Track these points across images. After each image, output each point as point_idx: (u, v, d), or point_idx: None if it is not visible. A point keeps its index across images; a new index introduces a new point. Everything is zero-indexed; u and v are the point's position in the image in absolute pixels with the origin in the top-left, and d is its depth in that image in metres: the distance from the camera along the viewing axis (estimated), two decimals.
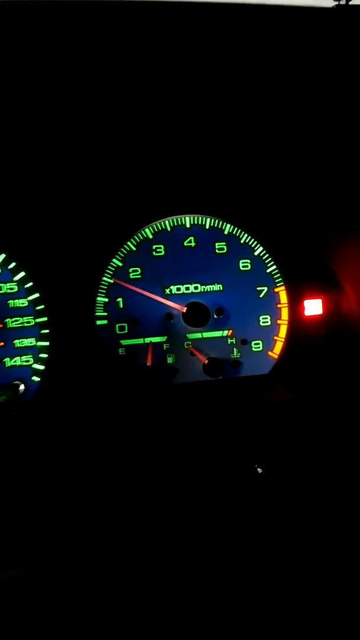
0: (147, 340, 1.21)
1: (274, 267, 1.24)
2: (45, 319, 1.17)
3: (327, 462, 0.89)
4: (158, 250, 1.21)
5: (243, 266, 1.23)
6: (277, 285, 1.25)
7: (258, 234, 1.23)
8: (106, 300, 1.20)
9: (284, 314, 1.25)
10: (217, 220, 1.22)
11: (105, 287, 1.20)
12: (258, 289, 1.24)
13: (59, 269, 1.16)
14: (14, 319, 1.17)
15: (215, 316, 1.22)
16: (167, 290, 1.21)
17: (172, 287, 1.21)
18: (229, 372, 1.25)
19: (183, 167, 1.13)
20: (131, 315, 1.21)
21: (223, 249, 1.22)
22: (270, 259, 1.24)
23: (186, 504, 0.80)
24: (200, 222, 1.22)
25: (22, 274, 1.16)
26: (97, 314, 1.20)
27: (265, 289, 1.24)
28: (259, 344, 1.25)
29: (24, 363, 1.19)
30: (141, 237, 1.20)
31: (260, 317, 1.25)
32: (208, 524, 0.76)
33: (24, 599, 0.65)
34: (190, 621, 0.67)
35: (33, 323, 1.18)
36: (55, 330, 1.18)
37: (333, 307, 1.25)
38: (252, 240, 1.23)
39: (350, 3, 0.90)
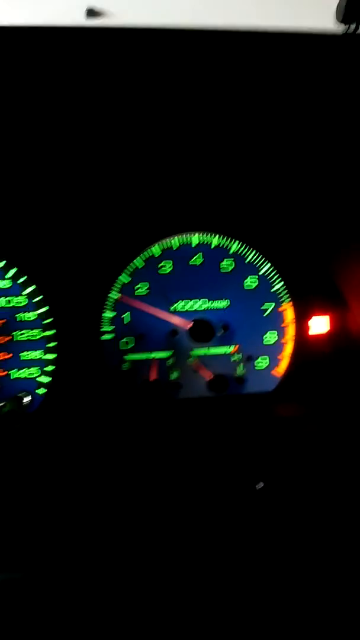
0: (152, 355, 1.22)
1: (280, 285, 1.25)
2: (52, 332, 1.20)
3: (332, 480, 0.88)
4: (165, 267, 1.22)
5: (249, 284, 1.24)
6: (283, 303, 1.25)
7: (264, 253, 1.24)
8: (112, 315, 1.21)
9: (290, 331, 1.25)
10: (223, 239, 1.23)
11: (112, 303, 1.21)
12: (264, 306, 1.25)
13: (67, 283, 1.19)
14: (21, 332, 1.20)
15: (220, 333, 1.23)
16: (173, 307, 1.23)
17: (178, 303, 1.23)
18: (234, 388, 1.25)
19: (190, 186, 1.15)
20: (137, 330, 1.22)
21: (229, 266, 1.24)
22: (276, 277, 1.25)
23: (190, 519, 0.80)
24: (206, 240, 1.23)
25: (31, 287, 1.19)
26: (104, 328, 1.21)
27: (271, 306, 1.25)
28: (264, 361, 1.25)
29: (30, 375, 1.20)
30: (148, 255, 1.22)
31: (266, 335, 1.25)
32: (211, 538, 0.76)
33: (26, 600, 0.66)
34: (190, 624, 0.67)
35: (40, 336, 1.20)
36: (61, 344, 1.19)
37: (339, 325, 1.25)
38: (258, 258, 1.24)
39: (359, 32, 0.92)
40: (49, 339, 1.20)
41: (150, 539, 0.76)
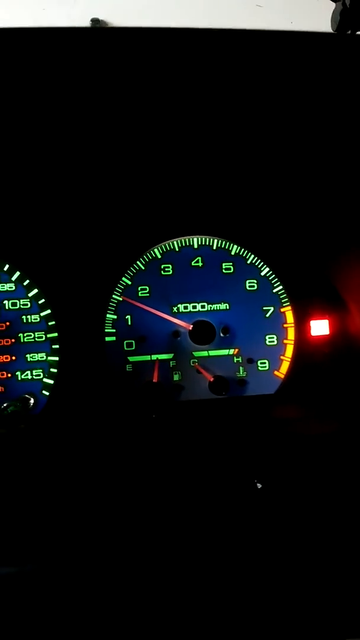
0: (154, 357, 1.24)
1: (280, 287, 1.26)
2: (56, 334, 1.22)
3: (334, 482, 0.88)
4: (166, 269, 1.24)
5: (250, 286, 1.26)
6: (284, 305, 1.26)
7: (264, 255, 1.25)
8: (115, 317, 1.23)
9: (290, 333, 1.26)
10: (224, 241, 1.25)
11: (115, 305, 1.23)
12: (264, 308, 1.26)
13: (70, 286, 1.21)
14: (27, 334, 1.22)
15: (221, 335, 1.24)
16: (175, 309, 1.24)
17: (179, 305, 1.24)
18: (235, 390, 1.25)
19: (191, 189, 1.18)
20: (139, 332, 1.24)
21: (230, 269, 1.25)
22: (276, 279, 1.26)
23: (191, 520, 0.80)
24: (207, 243, 1.25)
25: (35, 290, 1.21)
26: (106, 330, 1.23)
27: (272, 308, 1.26)
28: (265, 363, 1.26)
29: (35, 377, 1.22)
30: (150, 257, 1.24)
31: (267, 337, 1.26)
32: (213, 539, 0.76)
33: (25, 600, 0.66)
34: (190, 622, 0.67)
35: (44, 338, 1.22)
36: (65, 346, 1.21)
37: (339, 328, 1.25)
38: (259, 260, 1.26)
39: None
40: (53, 341, 1.22)
41: (153, 539, 0.77)
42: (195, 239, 1.25)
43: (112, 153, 1.04)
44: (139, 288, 1.24)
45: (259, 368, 1.26)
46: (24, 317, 1.22)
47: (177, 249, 1.25)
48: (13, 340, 1.21)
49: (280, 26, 0.88)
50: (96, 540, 0.75)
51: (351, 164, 1.05)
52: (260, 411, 1.22)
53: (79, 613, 0.69)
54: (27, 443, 1.09)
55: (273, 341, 1.26)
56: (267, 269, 1.26)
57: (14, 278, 1.21)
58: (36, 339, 1.22)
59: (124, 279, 1.23)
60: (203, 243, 1.25)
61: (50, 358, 1.22)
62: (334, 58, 0.88)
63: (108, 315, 1.23)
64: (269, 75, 0.89)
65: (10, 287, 1.21)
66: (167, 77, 0.87)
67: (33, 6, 1.21)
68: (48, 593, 0.69)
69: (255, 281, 1.26)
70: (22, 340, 1.22)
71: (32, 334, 1.22)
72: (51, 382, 1.22)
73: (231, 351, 1.26)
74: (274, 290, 1.26)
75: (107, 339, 1.23)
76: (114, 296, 1.23)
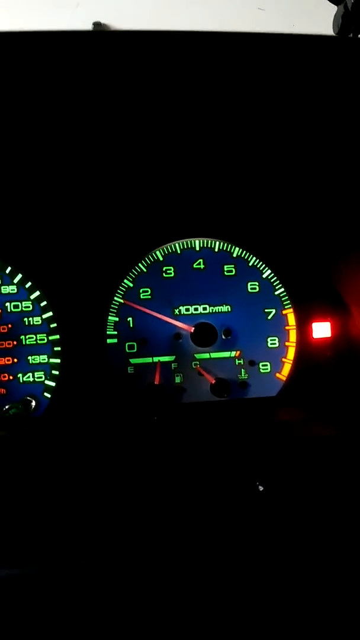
0: (156, 359, 1.24)
1: (282, 289, 1.26)
2: (58, 336, 1.22)
3: (336, 485, 0.88)
4: (168, 271, 1.25)
5: (251, 288, 1.26)
6: (285, 307, 1.26)
7: (266, 257, 1.26)
8: (117, 319, 1.24)
9: (292, 336, 1.26)
10: (225, 244, 1.25)
11: (116, 307, 1.23)
12: (266, 310, 1.26)
13: (72, 288, 1.21)
14: (28, 336, 1.22)
15: (223, 337, 1.24)
16: (176, 311, 1.24)
17: (181, 307, 1.24)
18: (237, 393, 1.25)
19: (193, 192, 1.18)
20: (141, 334, 1.24)
21: (232, 271, 1.25)
22: (278, 281, 1.26)
23: (193, 522, 0.80)
24: (209, 245, 1.25)
25: (37, 293, 1.21)
26: (108, 332, 1.23)
27: (274, 311, 1.26)
28: (266, 365, 1.26)
29: (37, 379, 1.23)
30: (152, 259, 1.24)
31: (269, 339, 1.26)
32: (215, 542, 0.76)
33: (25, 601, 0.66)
34: (190, 625, 0.67)
35: (46, 340, 1.22)
36: (67, 348, 1.22)
37: (341, 330, 1.25)
38: (261, 263, 1.26)
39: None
40: (55, 343, 1.22)
41: (156, 541, 0.77)
42: (197, 242, 1.25)
43: (113, 156, 1.04)
44: (141, 290, 1.24)
45: (261, 370, 1.26)
46: (25, 319, 1.22)
47: (178, 251, 1.25)
48: (15, 342, 1.22)
49: (282, 29, 0.88)
50: (99, 543, 0.75)
51: (353, 166, 1.06)
52: (262, 414, 1.22)
53: (82, 616, 0.69)
54: (29, 445, 1.09)
55: (275, 343, 1.26)
56: (269, 272, 1.26)
57: (16, 280, 1.21)
58: (38, 341, 1.22)
59: (125, 281, 1.24)
60: (205, 245, 1.25)
61: (52, 360, 1.22)
62: (336, 61, 0.89)
63: (110, 318, 1.23)
64: (271, 79, 0.89)
65: (12, 290, 1.21)
66: (169, 80, 0.88)
67: (36, 9, 1.21)
68: (49, 596, 0.69)
69: (257, 283, 1.26)
70: (24, 343, 1.22)
71: (34, 336, 1.22)
72: (53, 384, 1.22)
73: (233, 353, 1.26)
74: (276, 293, 1.26)
75: (109, 341, 1.24)
76: (115, 298, 1.23)
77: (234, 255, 1.26)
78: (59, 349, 1.22)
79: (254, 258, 1.26)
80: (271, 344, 1.26)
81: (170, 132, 1.00)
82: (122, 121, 0.95)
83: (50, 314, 1.22)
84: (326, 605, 0.69)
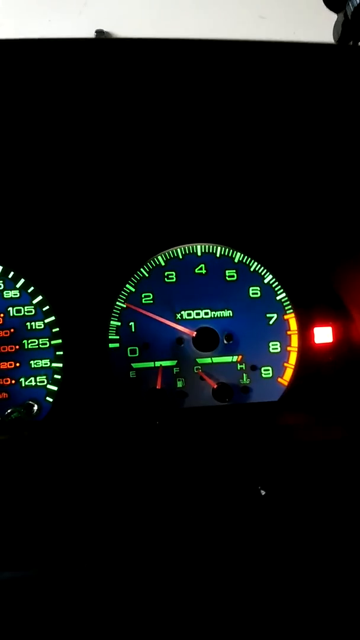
0: (158, 363, 1.24)
1: (284, 294, 1.26)
2: (60, 341, 1.22)
3: (338, 490, 0.88)
4: (170, 276, 1.25)
5: (253, 293, 1.26)
6: (287, 312, 1.26)
7: (268, 263, 1.26)
8: (119, 324, 1.24)
9: (294, 341, 1.26)
10: (227, 249, 1.26)
11: (118, 312, 1.24)
12: (268, 315, 1.26)
13: (74, 293, 1.22)
14: (31, 341, 1.23)
15: (225, 342, 1.24)
16: (178, 316, 1.25)
17: (182, 312, 1.25)
18: (238, 397, 1.25)
19: (194, 197, 1.19)
20: (143, 339, 1.24)
21: (233, 276, 1.26)
22: (279, 287, 1.26)
23: (194, 527, 0.80)
24: (211, 250, 1.26)
25: (39, 297, 1.22)
26: (110, 337, 1.24)
27: (275, 316, 1.26)
28: (268, 370, 1.26)
29: (39, 384, 1.23)
30: (154, 264, 1.25)
31: (270, 344, 1.26)
32: (216, 546, 0.76)
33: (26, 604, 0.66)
34: (193, 634, 0.67)
35: (49, 345, 1.23)
36: (69, 352, 1.22)
37: (343, 335, 1.26)
38: (262, 268, 1.26)
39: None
40: (57, 347, 1.23)
41: (158, 546, 0.76)
42: (198, 247, 1.26)
43: (116, 161, 1.05)
44: (143, 295, 1.25)
45: (263, 375, 1.26)
46: (28, 323, 1.22)
47: (180, 257, 1.25)
48: (17, 346, 1.22)
49: (283, 37, 0.89)
50: (100, 548, 0.75)
51: (353, 173, 1.06)
52: (263, 418, 1.21)
53: (84, 619, 0.69)
54: (31, 449, 1.09)
55: (276, 348, 1.27)
56: (271, 277, 1.26)
57: (18, 285, 1.22)
58: (40, 346, 1.23)
59: (127, 286, 1.24)
60: (206, 250, 1.26)
61: (54, 364, 1.23)
62: (336, 69, 0.90)
63: (112, 322, 1.24)
64: (272, 86, 0.90)
65: (15, 294, 1.22)
66: (171, 87, 0.89)
67: (39, 18, 1.23)
68: (50, 600, 0.69)
69: (258, 288, 1.26)
70: (26, 347, 1.22)
71: (37, 341, 1.23)
72: (55, 388, 1.22)
73: (235, 358, 1.26)
74: (278, 298, 1.27)
75: (111, 345, 1.24)
76: (117, 303, 1.24)
77: (236, 260, 1.26)
78: (61, 353, 1.22)
79: (256, 263, 1.26)
80: (273, 348, 1.26)
81: (173, 138, 1.01)
82: (125, 127, 0.96)
83: (52, 318, 1.22)
84: (328, 607, 0.69)
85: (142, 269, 1.24)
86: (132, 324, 1.24)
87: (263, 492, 0.86)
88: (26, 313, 1.22)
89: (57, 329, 1.22)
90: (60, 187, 1.09)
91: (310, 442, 1.04)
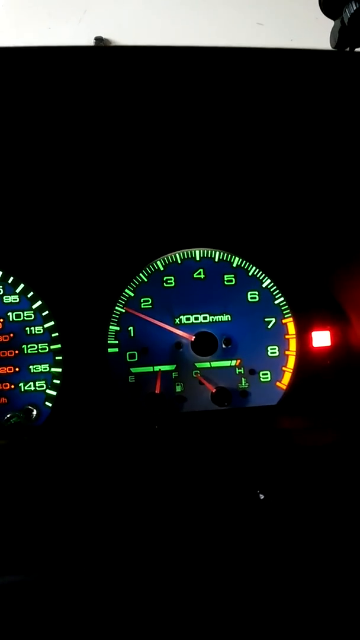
0: (157, 368, 1.24)
1: (282, 299, 1.27)
2: (59, 346, 1.22)
3: (337, 494, 0.88)
4: (168, 281, 1.26)
5: (251, 298, 1.27)
6: (285, 316, 1.27)
7: (266, 267, 1.27)
8: (118, 328, 1.24)
9: (292, 345, 1.27)
10: (225, 254, 1.27)
11: (117, 316, 1.24)
12: (266, 319, 1.27)
13: (74, 298, 1.22)
14: (30, 346, 1.23)
15: (223, 346, 1.25)
16: (177, 320, 1.25)
17: (181, 316, 1.25)
18: (237, 401, 1.26)
19: (193, 202, 1.19)
20: (142, 343, 1.25)
21: (232, 280, 1.26)
22: (278, 291, 1.27)
23: (193, 531, 0.80)
24: (209, 255, 1.26)
25: (39, 302, 1.22)
26: (109, 342, 1.24)
27: (273, 320, 1.27)
28: (267, 374, 1.27)
29: (38, 388, 1.23)
30: (152, 269, 1.25)
31: (269, 348, 1.27)
32: (215, 551, 0.76)
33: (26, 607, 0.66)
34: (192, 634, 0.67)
35: (48, 350, 1.23)
36: (68, 357, 1.22)
37: (341, 339, 1.26)
38: (260, 272, 1.27)
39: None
40: (56, 352, 1.23)
41: (157, 550, 0.76)
42: (197, 252, 1.26)
43: (115, 167, 1.05)
44: (142, 300, 1.25)
45: (261, 379, 1.27)
46: (27, 328, 1.23)
47: (179, 261, 1.26)
48: (17, 351, 1.22)
49: (280, 44, 0.90)
50: (100, 552, 0.75)
51: (352, 177, 1.07)
52: (262, 422, 1.22)
53: (83, 622, 0.68)
54: (30, 454, 1.09)
55: (275, 352, 1.27)
56: (269, 281, 1.27)
57: (18, 290, 1.22)
58: (40, 351, 1.23)
59: (126, 290, 1.25)
60: (205, 255, 1.26)
61: (53, 369, 1.23)
62: (334, 75, 0.90)
63: (111, 327, 1.24)
64: (270, 92, 0.91)
65: (14, 299, 1.22)
66: (170, 94, 0.90)
67: (39, 25, 1.23)
68: (51, 604, 0.69)
69: (256, 293, 1.27)
70: (25, 352, 1.23)
71: (36, 346, 1.23)
72: (54, 393, 1.22)
73: (233, 362, 1.26)
74: (276, 302, 1.27)
75: (110, 350, 1.24)
76: (116, 308, 1.24)
77: (234, 265, 1.27)
78: (60, 358, 1.22)
79: (254, 268, 1.27)
80: (271, 352, 1.27)
81: (172, 144, 1.01)
82: (124, 133, 0.96)
83: (51, 323, 1.23)
84: (326, 610, 0.69)
85: (141, 274, 1.25)
86: (131, 328, 1.25)
87: (262, 496, 0.87)
88: (25, 318, 1.23)
89: (57, 334, 1.22)
90: (59, 192, 1.09)
91: (309, 446, 1.05)
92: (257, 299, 1.27)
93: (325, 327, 1.26)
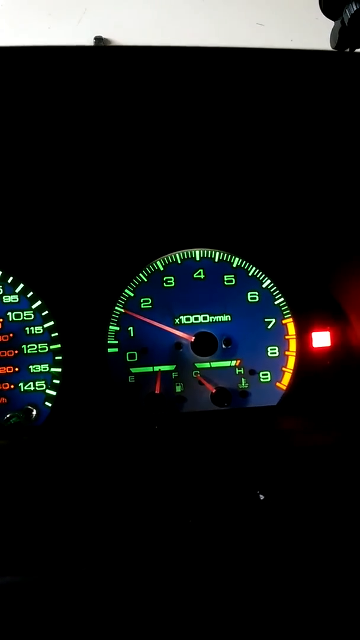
0: (157, 368, 1.24)
1: (282, 299, 1.27)
2: (59, 346, 1.22)
3: (337, 494, 0.88)
4: (168, 281, 1.26)
5: (251, 298, 1.27)
6: (285, 317, 1.27)
7: (266, 267, 1.27)
8: (117, 329, 1.24)
9: (292, 345, 1.27)
10: (225, 254, 1.26)
11: (117, 317, 1.24)
12: (266, 320, 1.27)
13: (73, 298, 1.22)
14: (30, 346, 1.23)
15: (223, 346, 1.25)
16: (177, 320, 1.25)
17: (181, 317, 1.25)
18: (237, 402, 1.26)
19: (193, 203, 1.19)
20: (141, 344, 1.25)
21: (232, 281, 1.26)
22: (278, 291, 1.27)
23: (193, 531, 0.80)
24: (209, 255, 1.26)
25: (38, 302, 1.22)
26: (109, 342, 1.24)
27: (273, 320, 1.27)
28: (267, 374, 1.27)
29: (38, 388, 1.23)
30: (152, 269, 1.25)
31: (269, 348, 1.27)
32: (215, 551, 0.76)
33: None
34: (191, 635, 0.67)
35: (47, 350, 1.23)
36: (67, 357, 1.22)
37: (341, 339, 1.26)
38: (260, 273, 1.27)
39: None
40: (56, 352, 1.23)
41: (157, 550, 0.76)
42: (197, 252, 1.26)
43: (115, 167, 1.05)
44: (142, 300, 1.25)
45: (261, 379, 1.27)
46: (27, 328, 1.23)
47: (179, 262, 1.26)
48: (16, 351, 1.22)
49: (280, 44, 0.90)
50: (99, 552, 0.75)
51: (352, 178, 1.07)
52: (262, 423, 1.22)
53: (83, 623, 0.68)
54: (30, 454, 1.09)
55: (275, 353, 1.27)
56: (269, 281, 1.27)
57: (17, 290, 1.22)
58: (39, 351, 1.23)
59: (126, 291, 1.25)
60: (205, 256, 1.26)
61: (53, 369, 1.23)
62: (333, 75, 0.90)
63: (111, 327, 1.24)
64: (270, 92, 0.91)
65: (14, 299, 1.22)
66: (169, 94, 0.90)
67: (38, 25, 1.23)
68: (51, 604, 0.69)
69: (256, 293, 1.27)
70: (25, 352, 1.22)
71: (36, 346, 1.23)
72: (54, 393, 1.22)
73: (233, 363, 1.26)
74: (276, 302, 1.27)
75: (110, 350, 1.24)
76: (116, 308, 1.24)
77: (234, 265, 1.27)
78: (60, 358, 1.22)
79: (254, 268, 1.27)
80: (271, 353, 1.27)
81: (172, 144, 1.01)
82: (124, 133, 0.96)
83: (51, 323, 1.23)
84: (325, 611, 0.69)
85: (140, 274, 1.25)
86: (130, 328, 1.25)
87: (262, 497, 0.86)
88: (25, 318, 1.23)
89: (56, 334, 1.22)
90: (59, 193, 1.09)
91: (308, 446, 1.05)
92: (257, 300, 1.27)
93: (325, 327, 1.26)
